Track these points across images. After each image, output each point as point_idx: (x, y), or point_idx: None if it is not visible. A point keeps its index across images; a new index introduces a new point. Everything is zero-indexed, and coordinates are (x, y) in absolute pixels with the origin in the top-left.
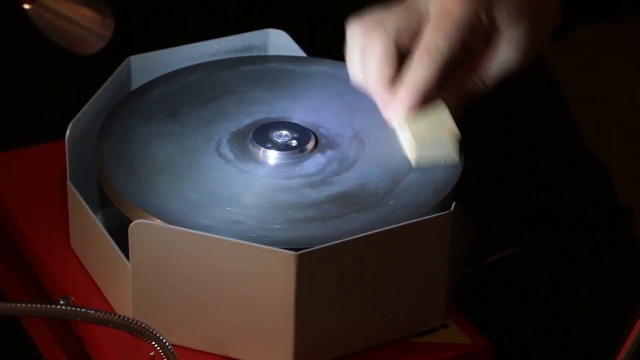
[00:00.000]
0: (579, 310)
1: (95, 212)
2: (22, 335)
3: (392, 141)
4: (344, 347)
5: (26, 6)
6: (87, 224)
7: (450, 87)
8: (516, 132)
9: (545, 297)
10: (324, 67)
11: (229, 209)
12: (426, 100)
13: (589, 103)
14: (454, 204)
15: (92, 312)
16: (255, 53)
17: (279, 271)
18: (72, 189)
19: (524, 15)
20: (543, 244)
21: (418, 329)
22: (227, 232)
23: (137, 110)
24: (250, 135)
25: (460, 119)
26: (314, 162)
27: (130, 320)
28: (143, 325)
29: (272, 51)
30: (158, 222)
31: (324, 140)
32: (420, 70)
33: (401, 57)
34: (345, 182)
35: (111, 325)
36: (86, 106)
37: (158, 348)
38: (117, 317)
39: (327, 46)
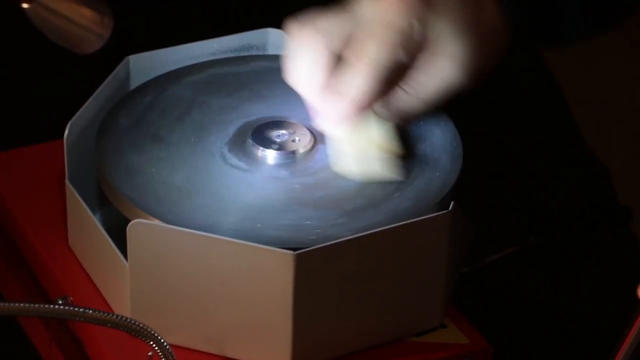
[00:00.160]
0: (578, 310)
1: (93, 211)
2: (20, 335)
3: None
4: (343, 347)
5: (25, 5)
6: (85, 224)
7: (384, 99)
8: (516, 132)
9: (544, 297)
10: None
11: (227, 208)
12: (359, 109)
13: (589, 103)
14: (452, 203)
15: (90, 312)
16: (254, 52)
17: (277, 271)
18: (70, 189)
19: (465, 30)
20: (542, 243)
21: (417, 329)
22: (225, 232)
23: (135, 109)
24: (249, 134)
25: (399, 135)
26: (312, 162)
27: (129, 320)
28: (141, 325)
29: (271, 50)
30: (156, 221)
31: (322, 139)
32: (353, 76)
33: (335, 62)
34: (343, 181)
35: (109, 325)
36: (85, 106)
37: (156, 348)
38: (115, 317)
39: None
